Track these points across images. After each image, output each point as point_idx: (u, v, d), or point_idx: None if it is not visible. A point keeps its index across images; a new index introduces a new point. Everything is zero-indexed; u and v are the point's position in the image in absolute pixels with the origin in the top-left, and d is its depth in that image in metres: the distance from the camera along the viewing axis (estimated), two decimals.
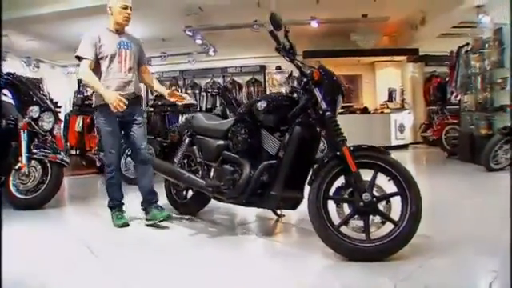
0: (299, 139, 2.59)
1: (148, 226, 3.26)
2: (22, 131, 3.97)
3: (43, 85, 10.70)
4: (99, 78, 3.20)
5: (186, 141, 3.36)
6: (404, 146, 11.01)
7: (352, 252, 2.35)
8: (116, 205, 3.42)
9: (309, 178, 2.53)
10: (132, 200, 3.56)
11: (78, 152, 8.87)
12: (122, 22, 3.28)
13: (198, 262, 2.51)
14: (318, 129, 2.65)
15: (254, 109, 2.78)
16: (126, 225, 3.31)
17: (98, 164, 6.83)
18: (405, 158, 9.50)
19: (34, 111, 4.08)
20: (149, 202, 3.32)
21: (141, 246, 2.88)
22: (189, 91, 12.12)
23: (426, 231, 2.47)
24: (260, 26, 9.23)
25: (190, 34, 9.21)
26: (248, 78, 12.20)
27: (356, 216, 2.41)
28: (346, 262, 2.34)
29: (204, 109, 11.71)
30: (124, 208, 3.47)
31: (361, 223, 2.40)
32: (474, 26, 7.95)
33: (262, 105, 2.74)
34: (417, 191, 2.35)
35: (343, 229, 2.41)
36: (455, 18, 8.73)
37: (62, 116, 9.24)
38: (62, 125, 8.83)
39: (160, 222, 3.23)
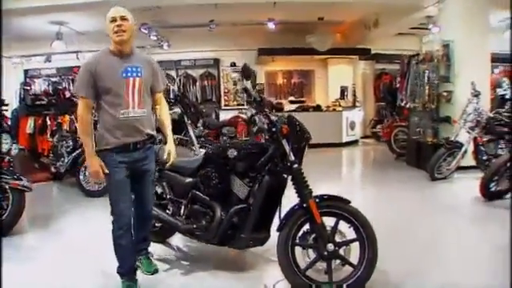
0: (268, 187, 2.78)
1: None
2: None
3: None
4: (100, 117, 2.70)
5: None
6: (354, 142, 11.54)
7: None
8: (126, 272, 2.83)
9: (278, 224, 2.70)
10: (95, 216, 3.32)
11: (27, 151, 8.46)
12: (116, 39, 2.63)
13: None
14: (284, 175, 2.82)
15: (225, 155, 2.92)
16: None
17: (53, 170, 6.67)
18: (354, 158, 10.01)
19: None
20: (139, 249, 3.09)
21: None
22: None
23: (379, 262, 2.67)
24: (216, 25, 9.24)
25: (146, 31, 9.02)
26: (202, 71, 12.10)
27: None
28: None
29: None
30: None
31: (324, 265, 2.64)
32: (427, 28, 8.42)
33: (232, 153, 2.89)
34: (373, 238, 2.62)
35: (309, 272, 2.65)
36: (407, 23, 9.17)
37: (8, 113, 8.83)
38: (9, 122, 8.44)
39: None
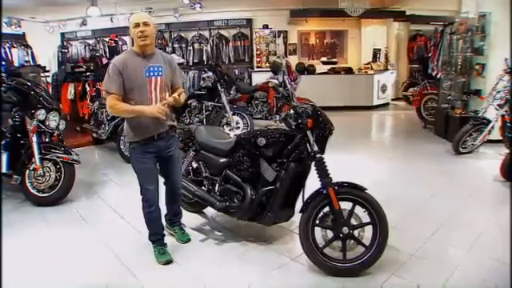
0: (293, 173, 3.08)
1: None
2: (32, 134, 4.26)
3: (26, 40, 10.58)
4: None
5: (191, 154, 3.76)
6: (385, 105, 11.54)
7: (332, 270, 2.95)
8: (157, 239, 3.25)
9: (301, 206, 3.01)
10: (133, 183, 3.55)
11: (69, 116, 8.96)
12: (140, 43, 2.89)
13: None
14: (308, 162, 3.07)
15: (255, 142, 3.22)
16: (170, 262, 3.15)
17: (94, 135, 7.13)
18: (382, 123, 10.03)
19: (41, 114, 4.35)
20: (172, 220, 3.59)
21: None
22: (175, 45, 12.13)
23: (391, 239, 2.94)
24: None
25: None
26: (234, 31, 12.14)
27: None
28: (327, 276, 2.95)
29: (191, 63, 11.84)
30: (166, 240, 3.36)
31: (339, 244, 2.96)
32: None
33: (261, 141, 3.18)
34: (385, 223, 2.88)
35: (326, 249, 2.98)
36: None
37: (49, 79, 9.34)
38: (51, 88, 8.94)
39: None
